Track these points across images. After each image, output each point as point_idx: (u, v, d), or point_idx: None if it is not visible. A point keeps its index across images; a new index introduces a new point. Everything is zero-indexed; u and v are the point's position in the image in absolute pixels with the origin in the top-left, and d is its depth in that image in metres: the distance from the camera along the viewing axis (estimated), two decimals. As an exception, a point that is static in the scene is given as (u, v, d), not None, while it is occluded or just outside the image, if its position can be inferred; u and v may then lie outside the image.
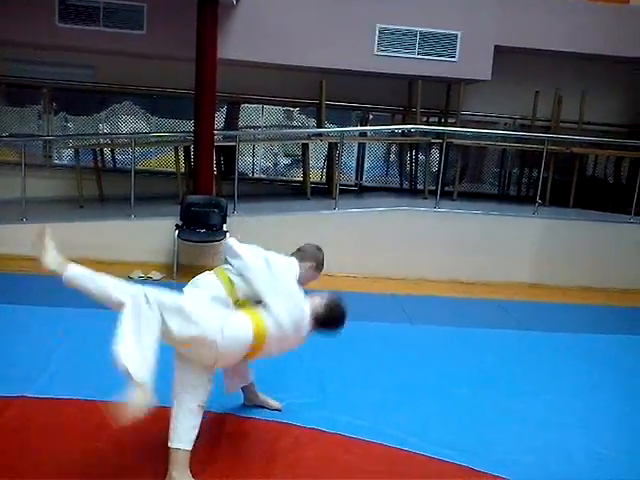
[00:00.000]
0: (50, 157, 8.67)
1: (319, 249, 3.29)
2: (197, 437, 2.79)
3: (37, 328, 4.51)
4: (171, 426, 2.76)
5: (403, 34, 7.54)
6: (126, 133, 8.58)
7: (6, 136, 8.50)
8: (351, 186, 9.09)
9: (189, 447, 2.74)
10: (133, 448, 3.03)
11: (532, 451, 3.29)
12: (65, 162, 8.79)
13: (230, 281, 2.98)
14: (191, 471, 2.78)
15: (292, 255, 3.23)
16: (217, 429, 3.22)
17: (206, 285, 2.99)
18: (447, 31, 7.59)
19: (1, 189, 7.43)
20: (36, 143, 8.56)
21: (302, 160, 8.24)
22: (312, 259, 3.22)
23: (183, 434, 2.74)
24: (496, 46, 7.63)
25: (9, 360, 3.94)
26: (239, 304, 2.96)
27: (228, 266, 3.11)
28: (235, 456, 2.99)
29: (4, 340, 4.27)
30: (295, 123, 9.16)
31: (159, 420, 3.16)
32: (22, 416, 3.25)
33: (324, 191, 8.35)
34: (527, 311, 6.07)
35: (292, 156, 9.18)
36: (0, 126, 8.48)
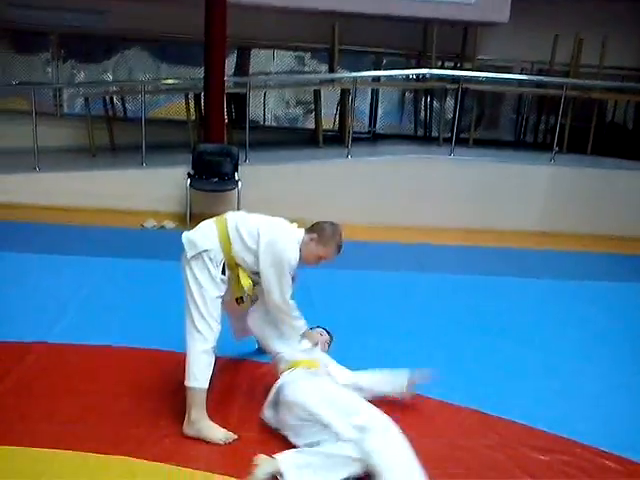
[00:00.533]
0: (60, 106, 8.61)
1: (334, 228, 2.99)
2: (211, 380, 2.84)
3: (53, 276, 4.57)
4: (186, 366, 2.82)
5: (418, -25, 7.28)
6: (136, 80, 8.47)
7: (15, 84, 8.43)
8: (364, 134, 8.97)
9: (205, 386, 2.81)
10: (152, 391, 3.10)
11: (538, 395, 3.34)
12: (76, 111, 8.74)
13: (227, 237, 2.93)
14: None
15: (307, 231, 3.01)
16: (231, 373, 3.28)
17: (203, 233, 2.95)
18: (464, -29, 7.32)
19: (13, 138, 7.41)
20: (46, 92, 8.48)
21: (314, 107, 8.12)
22: (322, 236, 2.96)
23: (198, 373, 2.80)
24: (515, -13, 7.36)
25: (27, 307, 4.02)
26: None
27: (232, 216, 3.05)
28: (248, 401, 3.05)
29: (21, 288, 4.34)
30: (307, 69, 8.98)
31: (177, 365, 3.25)
32: (42, 361, 3.33)
33: (337, 139, 8.24)
34: (541, 259, 6.05)
35: (304, 103, 9.04)
36: (9, 74, 8.40)
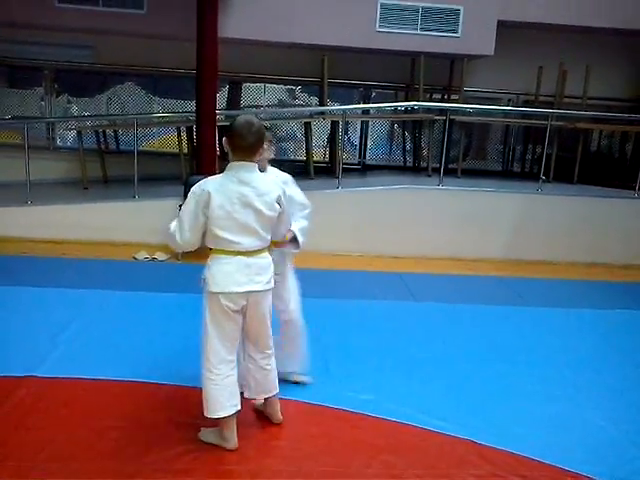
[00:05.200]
0: (53, 139, 8.68)
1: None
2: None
3: (44, 309, 4.56)
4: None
5: (405, 10, 7.48)
6: (128, 114, 8.56)
7: (8, 118, 8.50)
8: (354, 165, 9.08)
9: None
10: (142, 425, 3.08)
11: (533, 424, 3.34)
12: (68, 144, 8.81)
13: None
14: (196, 450, 2.86)
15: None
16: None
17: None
18: (449, 6, 7.52)
19: (5, 172, 7.45)
20: (39, 125, 8.56)
21: (305, 139, 8.22)
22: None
23: None
24: (499, 21, 7.56)
25: (18, 341, 4.01)
26: None
27: None
28: (240, 432, 3.04)
29: (12, 321, 4.33)
30: (297, 102, 9.12)
31: (166, 398, 3.24)
32: (32, 396, 3.30)
33: (327, 170, 8.34)
34: (531, 287, 6.10)
35: (294, 135, 9.16)
36: (2, 108, 8.48)
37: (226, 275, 2.79)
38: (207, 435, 2.96)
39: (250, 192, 2.77)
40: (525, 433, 3.24)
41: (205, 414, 2.89)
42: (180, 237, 2.81)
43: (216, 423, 2.91)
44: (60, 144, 8.80)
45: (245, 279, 2.81)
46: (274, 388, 3.11)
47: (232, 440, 2.90)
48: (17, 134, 8.16)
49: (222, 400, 2.85)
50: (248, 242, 2.79)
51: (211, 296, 2.82)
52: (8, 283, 5.07)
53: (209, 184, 2.78)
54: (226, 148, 2.85)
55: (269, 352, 3.05)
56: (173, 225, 2.84)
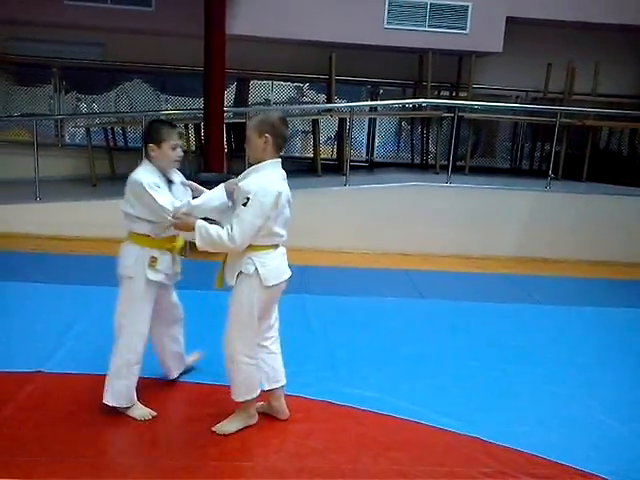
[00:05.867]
0: (62, 136, 8.71)
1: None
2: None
3: (52, 306, 4.58)
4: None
5: (413, 6, 7.46)
6: (136, 111, 8.58)
7: (18, 116, 8.54)
8: (362, 162, 9.06)
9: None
10: (149, 422, 3.09)
11: (540, 422, 3.33)
12: (77, 141, 8.85)
13: None
14: (203, 446, 2.87)
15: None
16: (229, 402, 3.28)
17: None
18: (458, 2, 7.49)
19: (14, 169, 7.50)
20: (48, 123, 8.59)
21: (312, 136, 8.22)
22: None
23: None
24: (508, 17, 7.52)
25: (27, 337, 4.03)
26: None
27: None
28: (248, 429, 3.05)
29: (21, 317, 4.36)
30: (305, 99, 9.11)
31: (176, 394, 3.25)
32: (39, 391, 3.33)
33: (335, 167, 8.33)
34: (538, 285, 6.07)
35: (302, 132, 9.15)
36: (11, 106, 8.52)
37: (279, 267, 2.97)
38: (229, 425, 3.01)
39: (288, 187, 2.97)
40: (532, 431, 3.23)
41: (239, 399, 2.99)
42: (241, 242, 2.81)
43: (240, 406, 3.02)
44: (69, 141, 8.84)
45: (286, 266, 3.03)
46: (283, 377, 3.16)
47: (255, 414, 3.09)
48: (26, 131, 8.20)
49: (256, 381, 3.00)
50: (285, 234, 2.99)
51: (264, 290, 2.90)
52: (17, 279, 5.10)
53: (275, 185, 2.88)
54: (262, 146, 2.93)
55: (277, 334, 3.15)
56: (225, 232, 2.80)
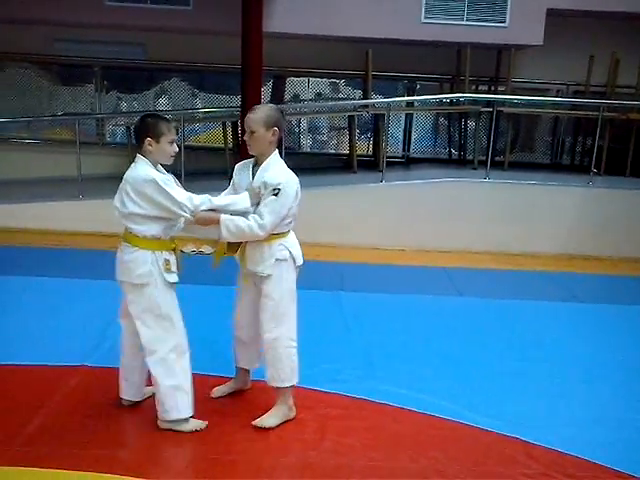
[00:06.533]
0: (103, 135, 8.89)
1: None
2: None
3: (95, 301, 4.68)
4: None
5: (451, 0, 7.35)
6: (175, 109, 8.70)
7: (61, 115, 8.75)
8: (398, 158, 9.00)
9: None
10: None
11: (582, 423, 3.28)
12: (117, 139, 9.02)
13: None
14: (238, 443, 2.90)
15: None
16: (267, 399, 3.31)
17: None
18: (497, -5, 7.35)
19: (57, 167, 7.69)
20: (89, 121, 8.78)
21: (348, 133, 8.19)
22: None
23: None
24: (548, 9, 7.35)
25: (70, 331, 4.14)
26: None
27: None
28: (283, 427, 3.07)
29: (66, 312, 4.48)
30: (341, 95, 9.09)
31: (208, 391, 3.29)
32: (84, 384, 3.43)
33: (371, 164, 8.30)
34: (581, 283, 5.94)
35: (338, 129, 9.14)
36: (55, 105, 8.73)
37: (298, 247, 3.13)
38: (271, 419, 3.04)
39: None
40: (574, 433, 3.18)
41: (285, 384, 3.06)
42: (271, 230, 2.96)
43: (280, 399, 3.08)
44: (110, 140, 9.02)
45: None
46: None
47: (294, 407, 3.14)
48: (69, 130, 8.39)
49: (297, 365, 3.09)
50: None
51: (295, 270, 3.09)
52: (61, 275, 5.24)
53: (292, 176, 3.06)
54: (270, 139, 3.14)
55: None
56: (255, 222, 2.92)
